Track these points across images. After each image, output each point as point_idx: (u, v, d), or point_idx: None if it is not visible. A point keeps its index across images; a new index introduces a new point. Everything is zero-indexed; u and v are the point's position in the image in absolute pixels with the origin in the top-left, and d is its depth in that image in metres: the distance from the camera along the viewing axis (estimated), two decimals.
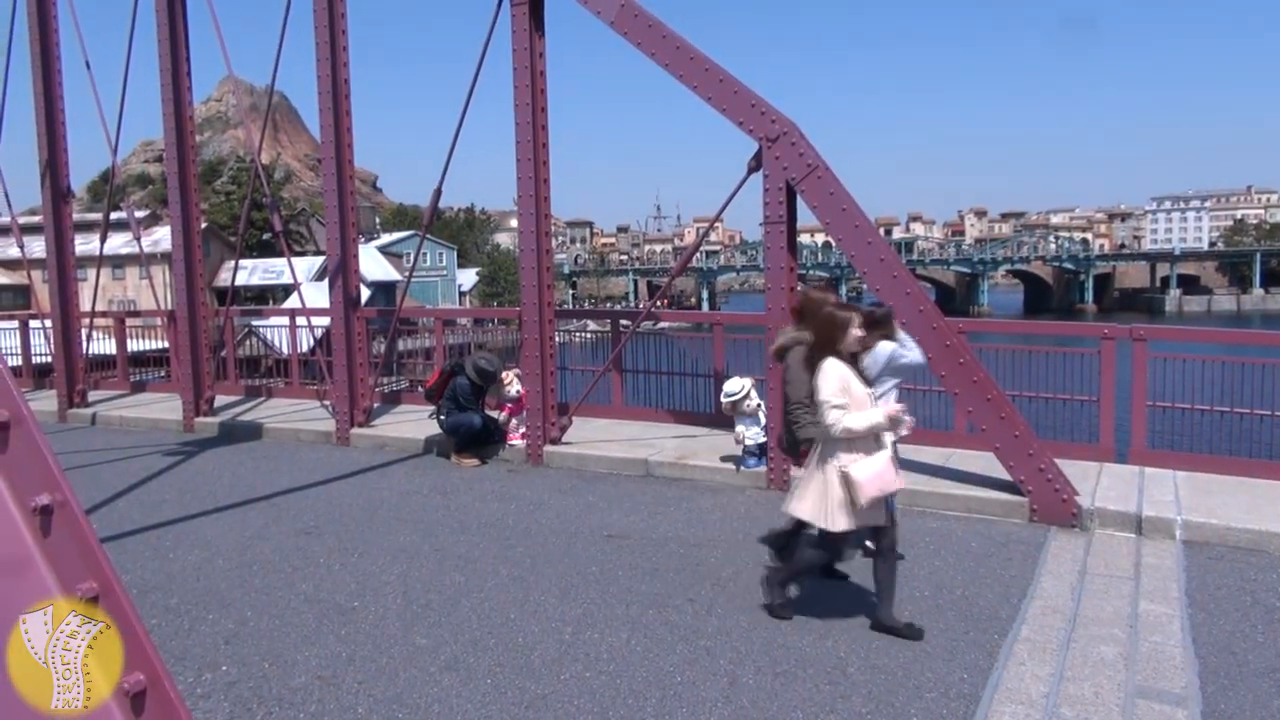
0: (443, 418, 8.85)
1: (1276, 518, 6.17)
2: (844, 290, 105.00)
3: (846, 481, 4.53)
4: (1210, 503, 6.51)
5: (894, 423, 4.57)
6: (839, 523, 4.58)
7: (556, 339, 9.01)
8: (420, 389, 10.89)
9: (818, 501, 4.63)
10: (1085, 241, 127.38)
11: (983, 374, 6.82)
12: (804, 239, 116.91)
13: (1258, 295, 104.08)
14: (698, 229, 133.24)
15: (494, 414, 9.10)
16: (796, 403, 5.25)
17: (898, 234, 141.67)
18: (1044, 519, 6.51)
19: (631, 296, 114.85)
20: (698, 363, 9.94)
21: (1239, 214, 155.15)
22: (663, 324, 10.80)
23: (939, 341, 6.90)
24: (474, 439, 8.78)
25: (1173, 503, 6.53)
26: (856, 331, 4.68)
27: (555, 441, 8.68)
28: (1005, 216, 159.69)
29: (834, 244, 7.16)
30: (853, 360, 4.69)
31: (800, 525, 5.15)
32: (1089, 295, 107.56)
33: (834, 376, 4.57)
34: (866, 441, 4.59)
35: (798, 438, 5.27)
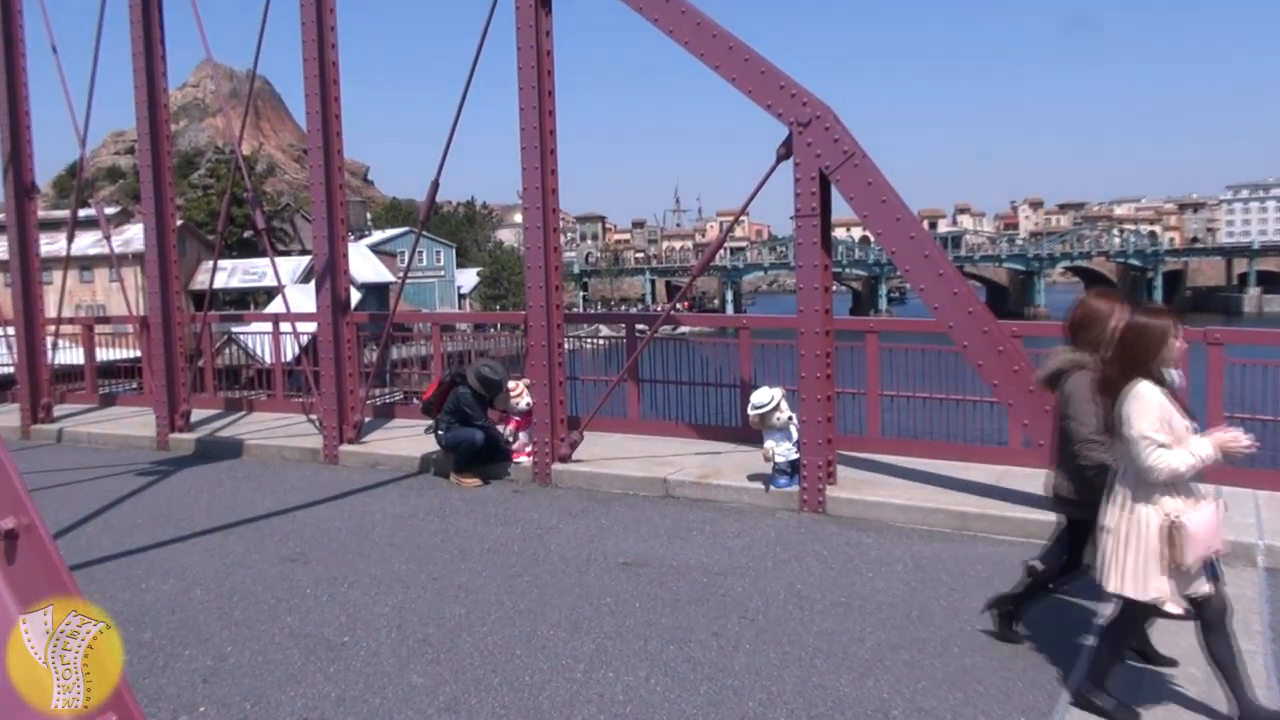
0: (441, 433, 8.88)
1: None
2: (884, 290, 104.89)
3: (1173, 534, 3.89)
4: None
5: (1227, 455, 3.93)
6: (1150, 588, 3.93)
7: (566, 345, 9.02)
8: (416, 401, 10.94)
9: (1132, 564, 3.97)
10: (1153, 235, 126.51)
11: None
12: (839, 233, 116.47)
13: None
14: (721, 224, 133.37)
15: (499, 428, 9.11)
16: (1085, 440, 4.53)
17: (944, 227, 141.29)
18: None
19: (649, 298, 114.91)
20: (722, 371, 9.94)
21: None
22: (683, 328, 10.83)
23: (991, 347, 6.93)
24: (475, 456, 8.80)
25: (1254, 525, 6.46)
26: (1180, 344, 4.03)
27: (565, 459, 8.69)
28: (1064, 208, 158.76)
29: (873, 239, 7.21)
30: (1162, 381, 4.03)
31: (1037, 582, 4.83)
32: (1158, 294, 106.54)
33: (1153, 405, 3.92)
34: (1186, 483, 3.99)
35: (1089, 478, 4.49)
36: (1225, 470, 7.43)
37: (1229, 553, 6.11)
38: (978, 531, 6.84)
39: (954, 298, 7.00)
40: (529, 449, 8.92)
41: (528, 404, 9.03)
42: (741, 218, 8.43)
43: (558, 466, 8.65)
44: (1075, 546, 4.84)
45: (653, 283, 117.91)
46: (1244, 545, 6.14)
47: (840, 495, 7.47)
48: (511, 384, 9.13)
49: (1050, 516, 6.65)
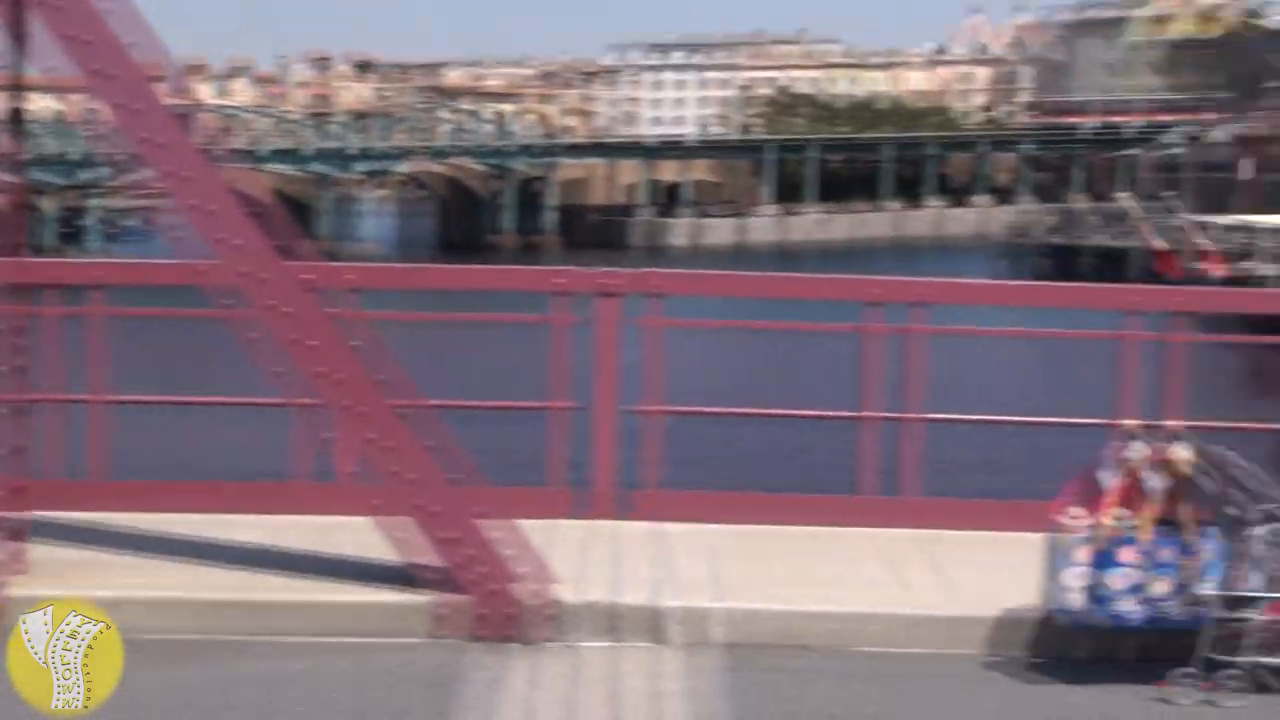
0: None
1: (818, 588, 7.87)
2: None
3: None
4: (753, 573, 7.95)
5: None
6: None
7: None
8: None
9: None
10: (502, 119, 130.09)
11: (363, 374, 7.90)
12: None
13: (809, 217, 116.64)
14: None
15: None
16: None
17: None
18: (490, 631, 7.51)
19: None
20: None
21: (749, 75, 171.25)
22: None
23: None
24: None
25: (706, 579, 7.79)
26: None
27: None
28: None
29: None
30: None
31: None
32: (514, 220, 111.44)
33: None
34: None
35: None
36: (660, 495, 9.40)
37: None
38: (293, 633, 7.73)
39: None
40: None
41: None
42: None
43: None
44: None
45: None
46: (694, 613, 7.61)
47: (24, 593, 7.47)
48: None
49: (376, 594, 7.92)
